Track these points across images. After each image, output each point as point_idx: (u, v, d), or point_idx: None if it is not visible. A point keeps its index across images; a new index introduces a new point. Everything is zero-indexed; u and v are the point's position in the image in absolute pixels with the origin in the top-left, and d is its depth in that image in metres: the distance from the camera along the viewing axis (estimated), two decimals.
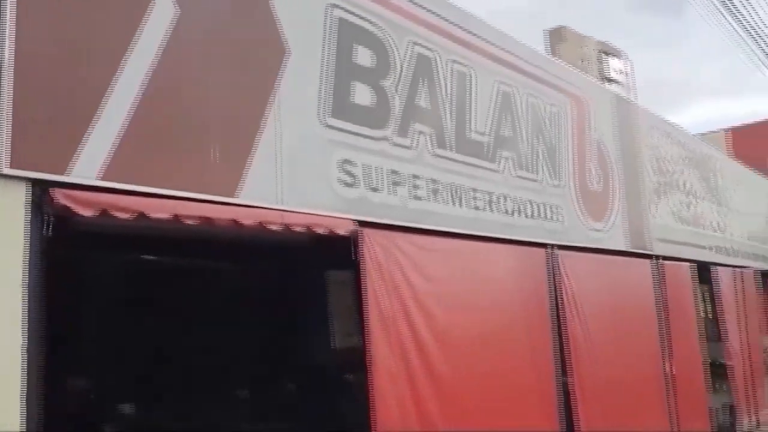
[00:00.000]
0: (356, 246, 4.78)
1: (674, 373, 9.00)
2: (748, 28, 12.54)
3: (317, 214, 4.57)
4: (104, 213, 3.41)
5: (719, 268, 11.13)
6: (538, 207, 6.96)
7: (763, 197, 15.02)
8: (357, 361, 6.69)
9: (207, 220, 3.90)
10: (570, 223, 7.47)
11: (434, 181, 5.62)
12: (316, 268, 6.17)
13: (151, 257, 5.85)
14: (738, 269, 11.90)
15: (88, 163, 3.46)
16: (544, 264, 6.88)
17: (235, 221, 4.02)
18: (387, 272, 4.99)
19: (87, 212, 3.34)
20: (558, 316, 6.88)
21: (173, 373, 5.93)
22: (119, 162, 3.56)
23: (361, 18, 5.19)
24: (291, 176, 4.48)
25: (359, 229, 4.83)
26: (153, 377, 5.74)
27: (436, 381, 5.24)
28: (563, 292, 7.00)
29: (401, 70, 5.48)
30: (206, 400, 6.45)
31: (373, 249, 4.90)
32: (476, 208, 6.08)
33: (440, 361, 5.31)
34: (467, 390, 5.52)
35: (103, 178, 3.50)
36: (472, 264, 5.97)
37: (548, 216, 7.10)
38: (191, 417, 6.43)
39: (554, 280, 6.93)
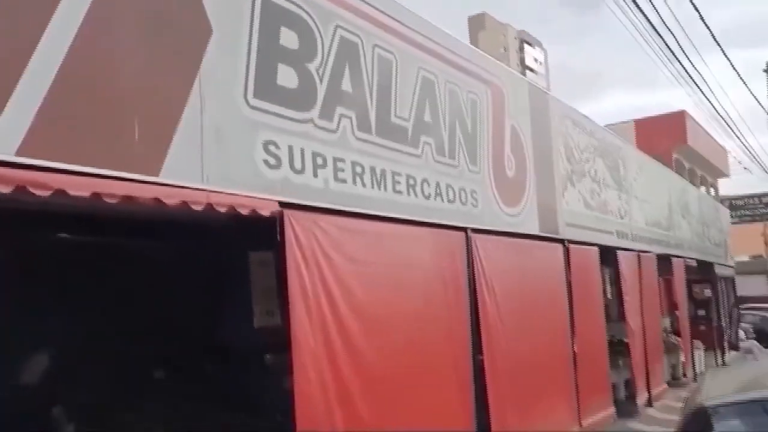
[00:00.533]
0: (280, 227, 4.82)
1: (579, 351, 9.52)
2: (658, 24, 13.18)
3: (241, 195, 4.57)
4: (22, 190, 3.31)
5: (622, 252, 11.79)
6: (457, 192, 7.18)
7: (664, 185, 15.95)
8: (278, 340, 6.79)
9: (128, 199, 3.84)
10: (486, 208, 7.74)
11: (357, 164, 5.70)
12: (237, 248, 6.16)
13: (66, 236, 5.69)
14: (639, 253, 12.63)
15: (5, 139, 3.35)
16: (462, 246, 7.12)
17: (157, 200, 3.98)
18: (309, 253, 5.05)
19: (4, 189, 3.24)
20: (474, 296, 7.15)
21: (88, 355, 5.80)
22: (37, 138, 3.46)
23: (288, 0, 5.19)
24: (215, 156, 4.46)
25: (282, 210, 4.86)
26: (68, 358, 5.60)
27: (357, 359, 5.36)
28: (478, 274, 7.27)
29: (326, 54, 5.51)
30: (121, 381, 6.35)
31: (296, 230, 4.95)
32: (397, 191, 6.22)
33: (361, 339, 5.44)
34: (386, 367, 5.68)
35: (19, 154, 3.39)
36: (393, 246, 6.11)
37: (466, 200, 7.33)
38: (103, 398, 6.34)
39: (470, 262, 7.18)
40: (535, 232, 8.83)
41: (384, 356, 5.68)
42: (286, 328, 4.81)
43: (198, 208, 4.24)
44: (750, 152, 33.70)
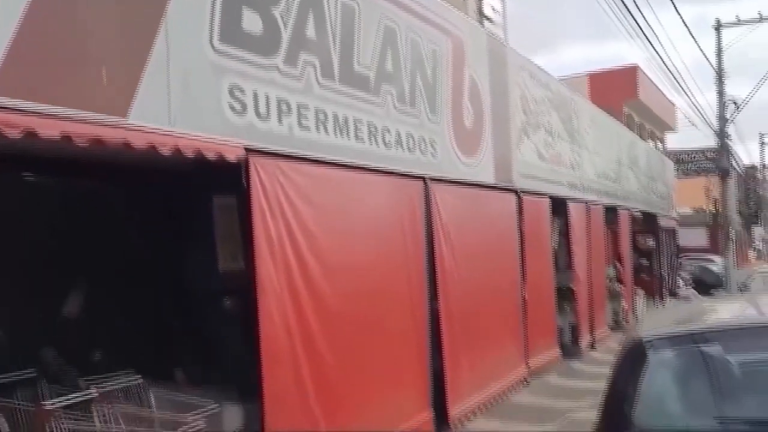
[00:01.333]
0: (245, 172, 4.90)
1: (528, 297, 9.94)
2: None
3: (207, 140, 4.63)
4: None
5: (572, 202, 12.20)
6: (416, 141, 7.33)
7: (614, 138, 16.40)
8: (243, 283, 6.92)
9: (98, 141, 3.88)
10: (444, 157, 7.93)
11: (320, 111, 5.78)
12: (201, 193, 6.21)
13: (30, 177, 5.66)
14: (588, 204, 13.08)
15: None
16: (420, 195, 7.31)
17: (126, 142, 4.02)
18: (274, 198, 5.16)
19: None
20: (431, 244, 7.39)
21: (50, 298, 5.85)
22: (6, 80, 3.46)
23: None
24: (181, 99, 4.49)
25: (248, 155, 4.94)
26: (33, 301, 5.63)
27: (319, 302, 5.55)
28: (435, 222, 7.49)
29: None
30: (83, 325, 6.42)
31: (261, 176, 5.04)
32: (360, 139, 6.33)
33: (323, 283, 5.61)
34: (347, 310, 5.88)
35: None
36: (355, 194, 6.26)
37: (425, 150, 7.49)
38: (64, 342, 6.41)
39: (428, 210, 7.39)
40: (491, 182, 9.08)
41: (345, 300, 5.88)
42: (250, 272, 4.94)
43: (165, 151, 4.29)
44: (697, 108, 34.55)
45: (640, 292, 17.64)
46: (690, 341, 3.71)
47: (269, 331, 4.99)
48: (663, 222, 20.85)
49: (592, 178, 13.78)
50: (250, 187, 4.93)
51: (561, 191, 11.77)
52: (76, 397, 4.54)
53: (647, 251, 19.94)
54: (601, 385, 9.51)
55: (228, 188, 6.52)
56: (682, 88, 27.16)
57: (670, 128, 34.46)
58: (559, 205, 11.64)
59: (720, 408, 3.37)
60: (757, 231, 48.04)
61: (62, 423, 4.32)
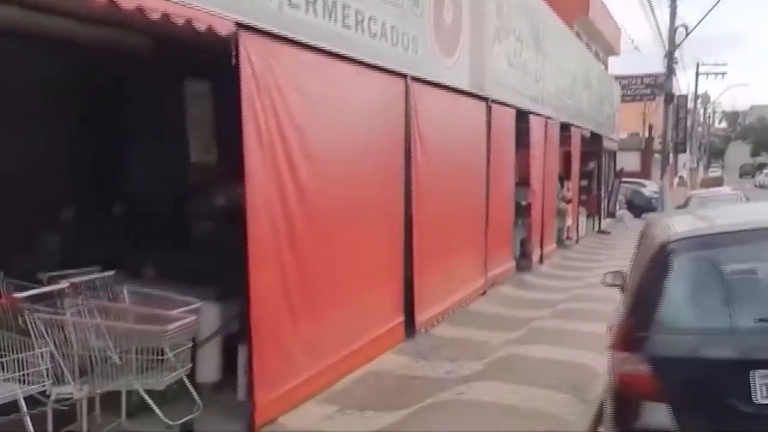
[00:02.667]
0: (235, 49, 4.42)
1: (491, 208, 9.86)
2: None
3: (199, 8, 4.11)
4: None
5: (533, 116, 12.05)
6: (400, 35, 6.89)
7: (573, 55, 16.23)
8: (214, 177, 6.48)
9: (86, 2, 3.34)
10: (425, 56, 7.53)
11: None
12: (171, 77, 5.66)
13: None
14: (547, 119, 12.97)
15: None
16: (401, 93, 6.94)
17: (113, 3, 3.49)
18: (263, 82, 4.72)
19: None
20: (407, 147, 7.08)
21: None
22: None
23: None
24: None
25: (238, 31, 4.44)
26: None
27: (303, 196, 5.23)
28: (413, 125, 7.17)
29: None
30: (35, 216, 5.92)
31: (251, 56, 4.58)
32: (346, 25, 5.87)
33: (308, 178, 5.28)
34: (330, 207, 5.60)
35: None
36: (341, 85, 5.85)
37: (407, 46, 7.08)
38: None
39: (407, 110, 7.04)
40: (465, 87, 8.76)
41: (329, 197, 5.59)
42: (239, 161, 4.53)
43: (155, 16, 3.77)
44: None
45: (583, 211, 17.99)
46: (713, 242, 3.65)
47: (256, 225, 4.66)
48: (606, 144, 21.14)
49: (552, 92, 13.63)
50: (240, 67, 4.47)
51: (524, 103, 11.56)
52: (47, 288, 4.13)
53: (588, 172, 20.25)
54: (554, 297, 9.83)
55: (203, 73, 6.01)
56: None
57: (614, 52, 34.59)
58: (519, 118, 11.44)
59: (743, 309, 3.34)
60: (682, 158, 49.78)
61: (33, 316, 3.90)
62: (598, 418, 4.92)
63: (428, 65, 7.58)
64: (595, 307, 8.91)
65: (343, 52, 5.74)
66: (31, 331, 3.89)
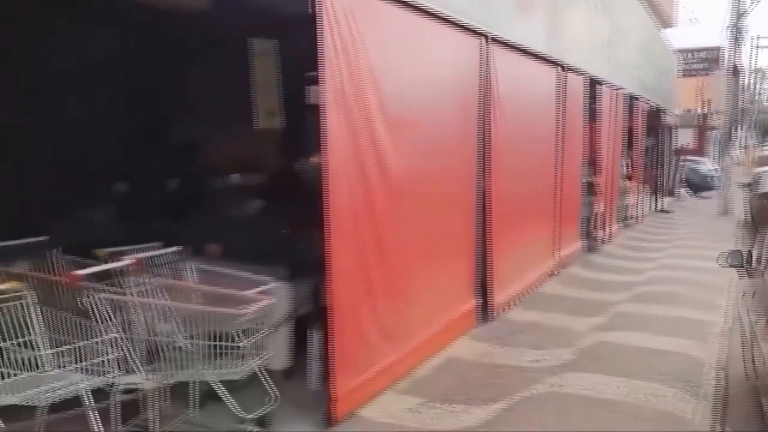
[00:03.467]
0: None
1: (562, 185, 9.22)
2: None
3: None
4: None
5: (604, 86, 11.28)
6: None
7: (639, 23, 15.31)
8: (281, 144, 6.00)
9: None
10: (503, 13, 6.89)
11: None
12: (235, 35, 5.16)
13: None
14: (616, 90, 12.18)
15: None
16: (481, 55, 6.35)
17: None
18: (343, 32, 4.18)
19: None
20: (484, 115, 6.49)
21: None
22: None
23: None
24: None
25: None
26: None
27: (383, 167, 4.71)
28: (493, 90, 6.57)
29: None
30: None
31: (332, 4, 4.04)
32: None
33: (386, 141, 4.74)
34: (408, 180, 5.07)
35: None
36: (420, 42, 5.29)
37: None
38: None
39: (486, 75, 6.45)
40: (542, 50, 8.07)
41: (408, 169, 5.04)
42: (317, 128, 4.01)
43: None
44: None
45: (646, 189, 17.13)
46: None
47: (336, 196, 4.15)
48: (667, 119, 20.14)
49: (620, 62, 12.79)
50: (319, 15, 3.93)
51: (595, 72, 10.78)
52: (110, 265, 3.68)
53: (646, 148, 19.31)
54: (630, 279, 9.15)
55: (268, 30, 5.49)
56: None
57: (670, 24, 33.14)
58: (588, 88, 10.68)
59: None
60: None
61: (96, 297, 3.47)
62: (722, 418, 4.34)
63: (506, 24, 6.93)
64: (677, 290, 8.27)
65: (423, 5, 5.16)
66: (94, 314, 3.46)
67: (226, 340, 3.71)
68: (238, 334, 3.70)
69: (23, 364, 3.16)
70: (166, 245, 4.67)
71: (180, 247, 4.47)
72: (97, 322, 3.44)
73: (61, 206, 5.74)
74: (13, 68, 5.19)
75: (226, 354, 3.71)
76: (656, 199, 18.87)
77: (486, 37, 6.34)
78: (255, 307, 3.50)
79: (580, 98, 9.95)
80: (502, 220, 6.91)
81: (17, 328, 3.24)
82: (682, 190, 22.67)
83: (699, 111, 35.90)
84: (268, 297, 3.76)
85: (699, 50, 38.38)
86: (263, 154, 5.56)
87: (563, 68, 8.89)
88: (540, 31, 8.05)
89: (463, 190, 6.25)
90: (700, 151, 33.98)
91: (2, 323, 3.22)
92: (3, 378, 3.14)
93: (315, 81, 4.00)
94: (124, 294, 3.84)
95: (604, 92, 11.20)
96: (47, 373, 3.29)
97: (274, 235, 5.21)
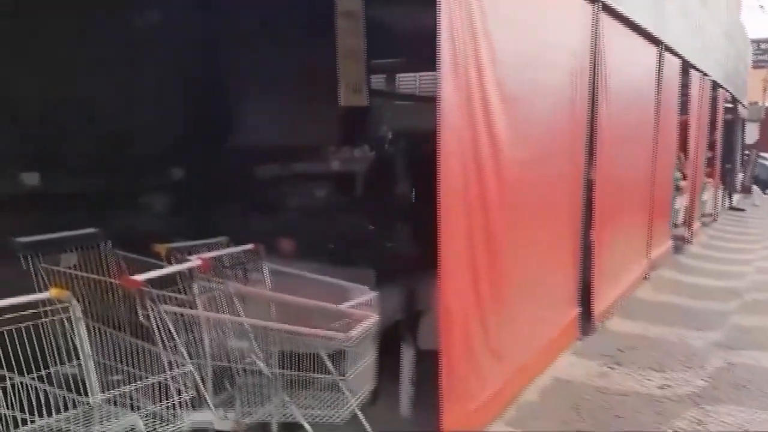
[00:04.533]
0: None
1: (657, 177, 8.26)
2: None
3: None
4: None
5: (693, 71, 10.22)
6: None
7: (723, 6, 14.11)
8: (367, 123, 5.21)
9: None
10: None
11: None
12: None
13: None
14: (703, 76, 11.09)
15: None
16: (590, 26, 5.44)
17: None
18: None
19: None
20: (592, 98, 5.59)
21: None
22: None
23: None
24: None
25: None
26: None
27: (496, 158, 3.86)
28: (600, 69, 5.66)
29: None
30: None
31: None
32: None
33: (502, 126, 3.90)
34: (520, 160, 4.21)
35: None
36: (537, 16, 4.43)
37: None
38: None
39: (595, 50, 5.54)
40: (646, 23, 7.08)
41: (519, 149, 4.18)
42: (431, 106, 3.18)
43: None
44: None
45: (720, 185, 15.94)
46: None
47: (449, 184, 3.31)
48: (740, 111, 18.82)
49: (709, 45, 11.65)
50: None
51: (687, 54, 9.70)
52: (177, 267, 2.92)
53: (713, 141, 18.02)
54: (732, 285, 8.12)
55: None
56: None
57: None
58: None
59: None
60: None
61: (161, 309, 2.70)
62: None
63: None
64: None
65: None
66: (157, 332, 2.70)
67: (316, 367, 2.92)
68: (332, 359, 2.91)
69: (65, 400, 2.41)
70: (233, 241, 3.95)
71: (252, 245, 3.71)
72: (162, 343, 2.68)
73: (111, 193, 5.07)
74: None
75: (316, 385, 2.92)
76: (728, 196, 17.60)
77: (598, 3, 5.43)
78: (360, 328, 2.69)
79: (675, 82, 8.94)
80: (605, 216, 6.01)
81: (58, 350, 2.50)
82: (754, 187, 21.27)
83: (764, 104, 34.10)
84: (371, 312, 2.95)
85: (761, 41, 36.58)
86: (346, 134, 4.77)
87: (661, 47, 7.90)
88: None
89: (571, 181, 5.37)
90: (765, 145, 32.22)
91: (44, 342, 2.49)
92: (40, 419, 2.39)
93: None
94: (192, 304, 3.09)
95: (694, 78, 10.13)
96: (95, 410, 2.53)
97: (356, 230, 4.41)
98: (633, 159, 7.18)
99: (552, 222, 5.07)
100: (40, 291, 3.31)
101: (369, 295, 3.18)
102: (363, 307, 3.04)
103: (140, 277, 2.71)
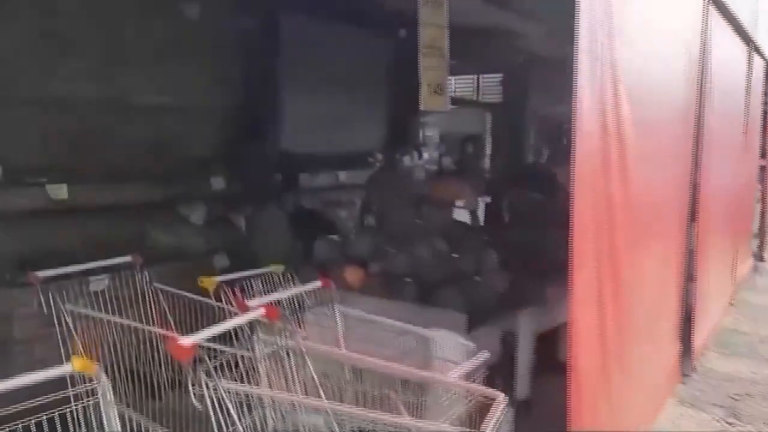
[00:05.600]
0: None
1: (744, 183, 7.47)
2: None
3: None
4: None
5: None
6: None
7: None
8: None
9: None
10: None
11: None
12: None
13: None
14: None
15: None
16: (699, 23, 4.69)
17: None
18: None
19: None
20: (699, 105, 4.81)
21: None
22: None
23: None
24: None
25: None
26: None
27: (625, 163, 3.15)
28: (706, 65, 4.89)
29: None
30: None
31: None
32: None
33: (630, 135, 3.17)
34: (643, 179, 3.48)
35: None
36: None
37: None
38: None
39: (702, 46, 4.78)
40: (744, 19, 6.27)
41: (644, 165, 3.46)
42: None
43: None
44: None
45: None
46: None
47: (583, 221, 2.60)
48: None
49: None
50: None
51: None
52: (246, 317, 2.23)
53: None
54: None
55: None
56: None
57: None
58: None
59: None
60: None
61: (220, 388, 2.00)
62: None
63: None
64: None
65: None
66: (213, 414, 2.00)
67: None
68: None
69: None
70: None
71: (320, 282, 3.01)
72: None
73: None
74: None
75: None
76: None
77: None
78: (493, 417, 1.95)
79: (760, 85, 8.11)
80: (708, 231, 5.25)
81: None
82: None
83: None
84: (496, 390, 2.21)
85: None
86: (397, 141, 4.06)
87: (752, 47, 7.08)
88: None
89: (680, 194, 4.61)
90: None
91: None
92: None
93: None
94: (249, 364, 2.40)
95: None
96: None
97: (437, 259, 3.70)
98: (728, 169, 6.38)
99: (664, 240, 4.33)
100: (63, 342, 2.71)
101: (482, 356, 2.44)
102: (478, 375, 2.32)
103: (192, 341, 2.02)
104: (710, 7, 4.78)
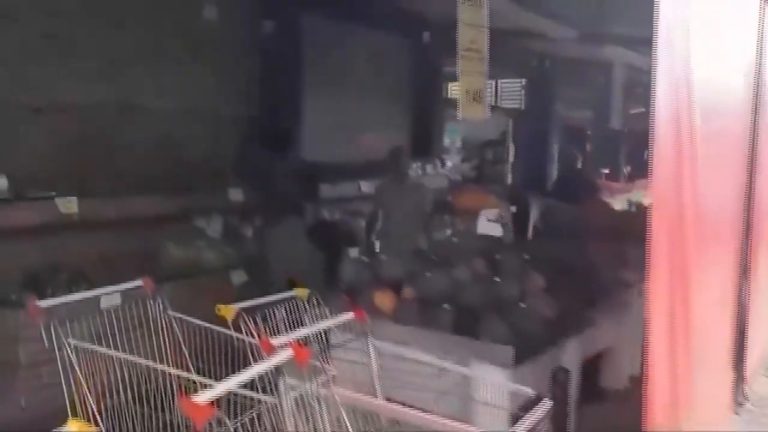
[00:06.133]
0: None
1: None
2: None
3: None
4: None
5: None
6: None
7: None
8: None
9: None
10: None
11: None
12: None
13: None
14: None
15: None
16: (757, 14, 4.33)
17: None
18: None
19: None
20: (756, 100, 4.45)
21: None
22: None
23: None
24: None
25: None
26: None
27: (695, 178, 2.82)
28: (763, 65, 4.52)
29: None
30: None
31: None
32: None
33: (700, 151, 2.83)
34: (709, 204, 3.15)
35: None
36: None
37: None
38: None
39: (760, 43, 4.42)
40: None
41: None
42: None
43: None
44: None
45: None
46: None
47: (660, 244, 2.27)
48: None
49: None
50: None
51: None
52: (257, 372, 1.92)
53: None
54: None
55: None
56: None
57: None
58: None
59: None
60: None
61: None
62: None
63: None
64: None
65: None
66: None
67: None
68: None
69: None
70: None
71: (353, 313, 2.69)
72: None
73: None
74: None
75: None
76: None
77: None
78: None
79: None
80: (759, 253, 4.87)
81: None
82: None
83: None
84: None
85: None
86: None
87: None
88: None
89: (735, 216, 4.24)
90: None
91: None
92: None
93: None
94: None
95: None
96: None
97: (477, 283, 3.37)
98: None
99: (724, 258, 3.97)
100: (66, 379, 2.44)
101: (545, 405, 2.11)
102: (542, 427, 1.99)
103: (209, 397, 1.71)
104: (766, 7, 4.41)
